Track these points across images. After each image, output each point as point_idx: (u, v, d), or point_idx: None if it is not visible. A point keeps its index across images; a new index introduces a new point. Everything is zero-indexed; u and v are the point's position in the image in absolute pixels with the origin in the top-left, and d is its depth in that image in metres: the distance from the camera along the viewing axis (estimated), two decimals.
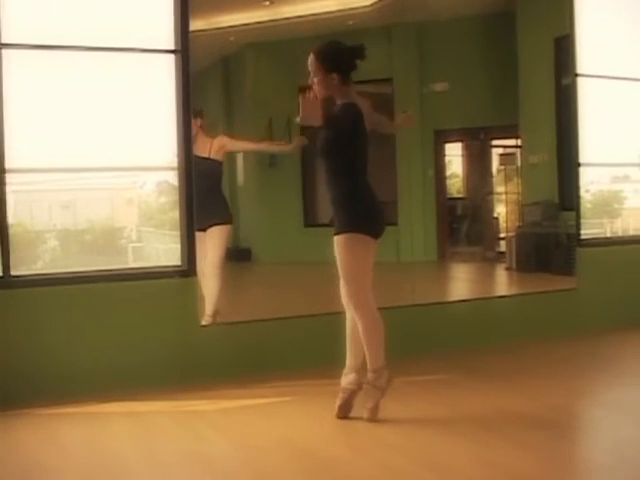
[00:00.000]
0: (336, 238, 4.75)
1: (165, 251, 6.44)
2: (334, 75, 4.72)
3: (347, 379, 4.91)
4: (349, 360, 4.95)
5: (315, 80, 4.77)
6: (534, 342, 6.72)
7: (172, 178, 6.02)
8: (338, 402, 4.89)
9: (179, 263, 5.93)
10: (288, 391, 5.58)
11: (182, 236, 5.93)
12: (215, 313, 6.49)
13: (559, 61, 8.81)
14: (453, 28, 10.66)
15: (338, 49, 4.81)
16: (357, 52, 4.78)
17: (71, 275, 5.69)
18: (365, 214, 4.77)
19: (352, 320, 4.92)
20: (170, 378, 5.68)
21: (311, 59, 4.80)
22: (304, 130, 8.69)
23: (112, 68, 5.80)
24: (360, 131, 4.74)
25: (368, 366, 4.81)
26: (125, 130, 5.89)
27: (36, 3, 5.64)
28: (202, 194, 6.28)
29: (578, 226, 7.50)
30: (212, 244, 6.81)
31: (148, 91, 5.98)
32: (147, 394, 5.44)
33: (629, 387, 5.48)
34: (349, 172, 4.75)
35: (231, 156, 10.85)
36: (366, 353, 4.80)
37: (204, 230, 6.67)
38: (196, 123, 6.49)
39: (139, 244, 6.96)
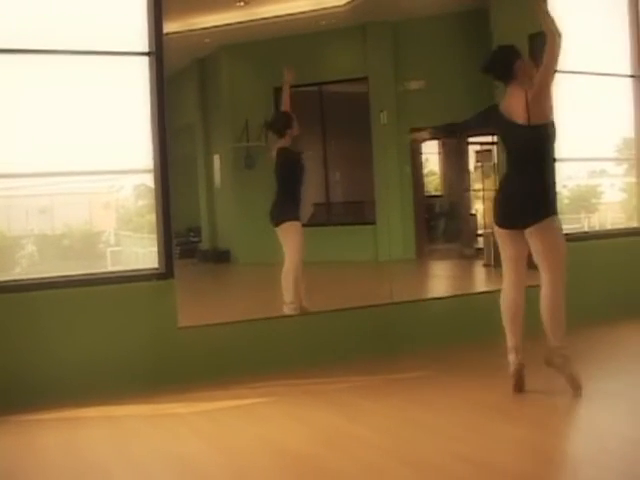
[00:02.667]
0: None
1: (144, 254, 6.42)
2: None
3: None
4: None
5: None
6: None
7: (149, 181, 6.00)
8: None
9: (157, 266, 5.91)
10: (266, 392, 5.57)
11: (159, 239, 5.91)
12: None
13: (534, 57, 8.83)
14: (428, 26, 10.68)
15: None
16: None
17: (48, 280, 5.65)
18: (496, 206, 5.32)
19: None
20: (148, 381, 5.66)
21: None
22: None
23: (86, 71, 5.78)
24: (499, 131, 5.40)
25: None
26: (101, 133, 5.86)
27: (8, 6, 5.60)
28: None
29: None
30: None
31: (123, 94, 5.95)
32: (125, 398, 5.42)
33: (608, 380, 5.50)
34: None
35: (208, 158, 10.87)
36: None
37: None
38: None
39: (117, 248, 6.94)
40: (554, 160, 5.27)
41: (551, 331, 5.14)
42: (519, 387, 5.15)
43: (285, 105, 7.29)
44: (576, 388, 5.01)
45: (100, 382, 5.54)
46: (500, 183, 5.46)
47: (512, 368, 5.18)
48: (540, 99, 5.08)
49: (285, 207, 7.07)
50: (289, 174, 7.16)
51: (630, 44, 8.13)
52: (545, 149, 5.14)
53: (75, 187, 6.73)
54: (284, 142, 7.16)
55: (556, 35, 5.05)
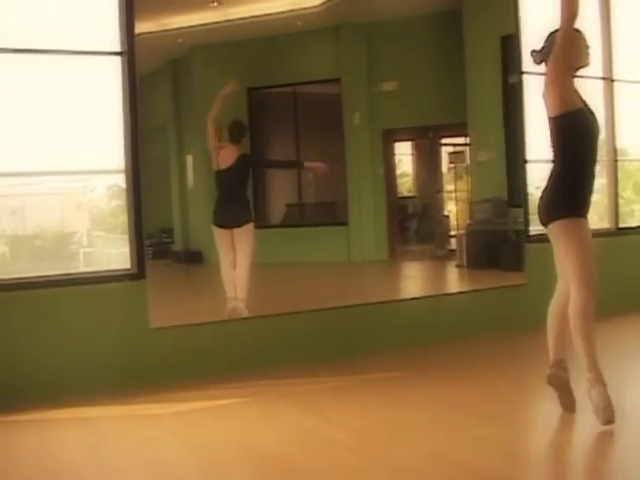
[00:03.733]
0: None
1: (117, 255, 6.39)
2: None
3: None
4: None
5: None
6: (485, 338, 6.77)
7: (122, 181, 5.97)
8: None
9: (129, 267, 5.89)
10: (241, 392, 5.56)
11: (131, 239, 5.89)
12: None
13: (506, 59, 8.88)
14: (401, 28, 10.71)
15: None
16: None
17: (21, 281, 5.62)
18: None
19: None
20: (123, 382, 5.63)
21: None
22: (253, 133, 8.70)
23: (57, 71, 5.75)
24: None
25: None
26: (73, 133, 5.85)
27: None
28: None
29: (527, 223, 7.57)
30: None
31: (95, 93, 5.93)
32: (100, 399, 5.39)
33: (575, 380, 5.54)
34: None
35: (181, 158, 10.84)
36: None
37: None
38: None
39: (90, 249, 6.91)
40: (576, 158, 4.58)
41: (578, 351, 4.50)
42: (563, 404, 4.71)
43: (212, 114, 7.61)
44: (606, 421, 4.32)
45: (74, 383, 5.50)
46: None
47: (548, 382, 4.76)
48: (551, 87, 4.55)
49: (247, 208, 7.53)
50: (248, 178, 7.62)
51: (601, 47, 8.21)
52: (556, 144, 4.61)
53: (47, 187, 6.70)
54: (239, 148, 7.50)
55: (573, 13, 4.56)
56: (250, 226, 7.32)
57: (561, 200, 4.62)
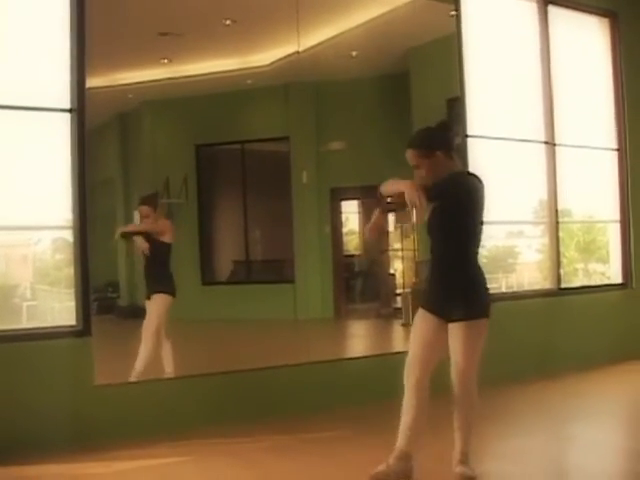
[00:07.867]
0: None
1: (60, 309, 6.32)
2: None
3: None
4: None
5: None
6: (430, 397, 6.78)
7: (68, 235, 5.94)
8: None
9: (74, 323, 5.83)
10: (184, 451, 5.51)
11: (77, 296, 5.83)
12: None
13: (452, 121, 9.05)
14: (349, 88, 10.87)
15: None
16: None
17: None
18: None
19: (423, 403, 4.76)
20: (65, 440, 5.53)
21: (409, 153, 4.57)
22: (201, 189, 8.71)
23: (5, 126, 5.73)
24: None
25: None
26: (19, 188, 5.80)
27: None
28: None
29: None
30: None
31: (43, 149, 5.91)
32: (42, 457, 5.28)
33: (519, 438, 5.59)
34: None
35: (128, 212, 10.82)
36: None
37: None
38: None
39: (33, 302, 6.83)
40: None
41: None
42: None
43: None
44: None
45: (15, 441, 5.39)
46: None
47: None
48: None
49: None
50: None
51: (543, 113, 8.43)
52: None
53: None
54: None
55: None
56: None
57: None
